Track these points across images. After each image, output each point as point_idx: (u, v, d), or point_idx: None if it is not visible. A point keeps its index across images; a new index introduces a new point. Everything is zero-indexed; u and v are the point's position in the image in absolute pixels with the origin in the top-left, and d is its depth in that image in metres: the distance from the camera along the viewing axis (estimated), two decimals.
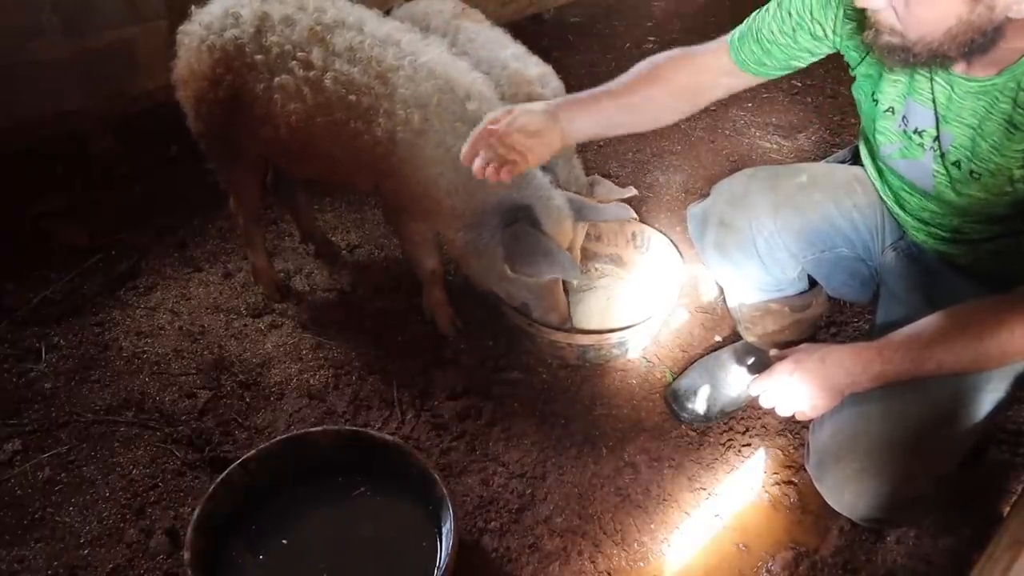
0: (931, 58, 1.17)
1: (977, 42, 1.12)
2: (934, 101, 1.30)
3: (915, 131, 1.37)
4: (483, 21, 2.16)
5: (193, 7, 1.81)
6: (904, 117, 1.38)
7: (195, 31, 1.77)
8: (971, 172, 1.28)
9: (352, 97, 1.64)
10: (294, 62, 1.66)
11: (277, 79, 1.67)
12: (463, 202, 1.71)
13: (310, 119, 1.68)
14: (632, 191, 1.99)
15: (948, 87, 1.26)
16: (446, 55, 1.71)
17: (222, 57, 1.72)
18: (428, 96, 1.63)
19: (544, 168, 1.75)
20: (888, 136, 1.44)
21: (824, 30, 1.44)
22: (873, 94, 1.44)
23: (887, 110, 1.41)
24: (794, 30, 1.47)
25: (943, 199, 1.37)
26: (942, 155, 1.33)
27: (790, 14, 1.46)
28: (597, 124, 1.55)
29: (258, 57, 1.69)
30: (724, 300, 2.20)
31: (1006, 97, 1.18)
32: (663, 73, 1.55)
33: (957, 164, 1.30)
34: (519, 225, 1.67)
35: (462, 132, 1.59)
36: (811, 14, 1.44)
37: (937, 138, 1.34)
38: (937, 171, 1.35)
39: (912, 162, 1.40)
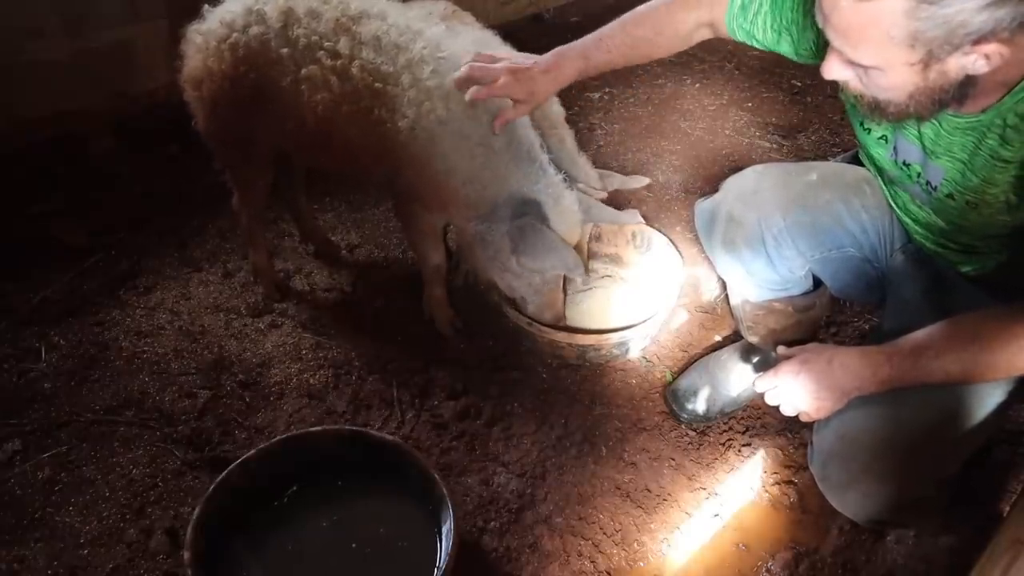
0: (905, 117, 1.19)
1: (945, 99, 1.13)
2: (920, 137, 1.30)
3: (904, 163, 1.37)
4: (473, 23, 2.16)
5: (205, 6, 1.80)
6: (895, 148, 1.38)
7: (214, 30, 1.76)
8: (967, 202, 1.28)
9: (379, 85, 1.65)
10: (321, 52, 1.67)
11: (304, 70, 1.68)
12: (477, 192, 1.72)
13: (336, 108, 1.69)
14: (644, 180, 1.99)
15: (936, 123, 1.25)
16: (470, 46, 1.72)
17: (247, 55, 1.72)
18: (451, 86, 1.64)
19: (556, 166, 1.77)
20: (883, 162, 1.44)
21: (809, 51, 1.44)
22: (863, 123, 1.44)
23: (880, 138, 1.41)
24: (780, 35, 1.47)
25: (947, 219, 1.37)
26: (933, 189, 1.33)
27: (780, 18, 1.45)
28: (592, 71, 1.61)
29: (284, 51, 1.69)
30: (726, 299, 2.21)
31: (993, 134, 1.17)
32: (658, 24, 1.61)
33: (951, 196, 1.30)
34: (527, 220, 1.68)
35: (484, 121, 1.63)
36: (796, 30, 1.44)
37: (922, 175, 1.34)
38: (931, 199, 1.36)
39: (911, 185, 1.41)
